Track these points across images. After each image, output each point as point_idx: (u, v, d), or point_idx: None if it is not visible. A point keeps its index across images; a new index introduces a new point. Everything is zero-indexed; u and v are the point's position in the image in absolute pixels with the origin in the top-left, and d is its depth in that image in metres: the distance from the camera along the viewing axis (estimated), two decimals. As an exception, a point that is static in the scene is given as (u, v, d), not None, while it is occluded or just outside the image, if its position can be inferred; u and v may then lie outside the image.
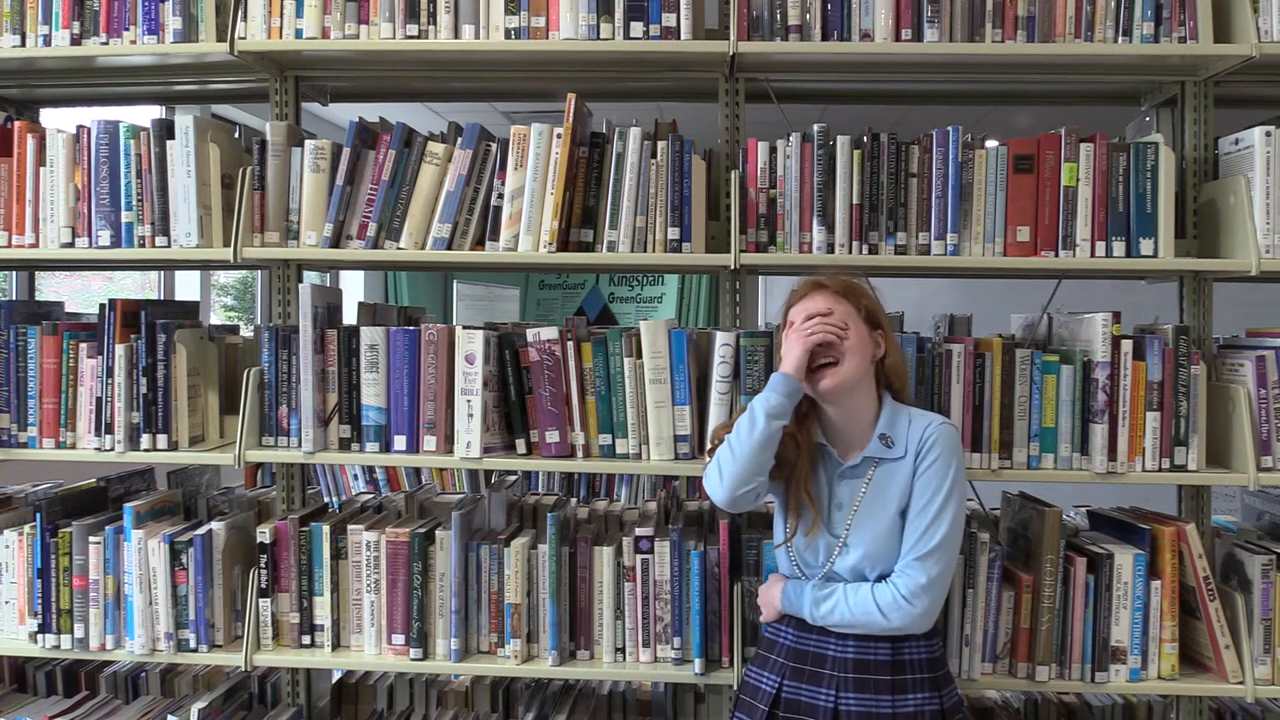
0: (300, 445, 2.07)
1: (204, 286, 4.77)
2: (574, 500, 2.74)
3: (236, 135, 2.30)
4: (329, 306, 2.15)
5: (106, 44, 2.13)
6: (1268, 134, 2.00)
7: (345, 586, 2.11)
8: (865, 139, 2.04)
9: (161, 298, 4.22)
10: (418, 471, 3.99)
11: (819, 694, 1.71)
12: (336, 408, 2.10)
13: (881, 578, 1.71)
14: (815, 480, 1.77)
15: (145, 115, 2.22)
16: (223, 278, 5.29)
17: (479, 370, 2.03)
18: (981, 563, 1.97)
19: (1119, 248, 2.03)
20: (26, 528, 2.13)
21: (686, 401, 2.03)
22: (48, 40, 2.14)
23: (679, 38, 2.03)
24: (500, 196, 2.06)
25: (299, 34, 2.08)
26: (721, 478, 1.75)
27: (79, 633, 2.11)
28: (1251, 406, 1.99)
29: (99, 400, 2.11)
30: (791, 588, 1.77)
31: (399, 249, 2.08)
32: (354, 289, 5.71)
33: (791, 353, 1.72)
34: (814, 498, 1.75)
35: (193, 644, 2.09)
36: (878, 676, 1.69)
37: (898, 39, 2.04)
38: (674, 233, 2.04)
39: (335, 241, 2.09)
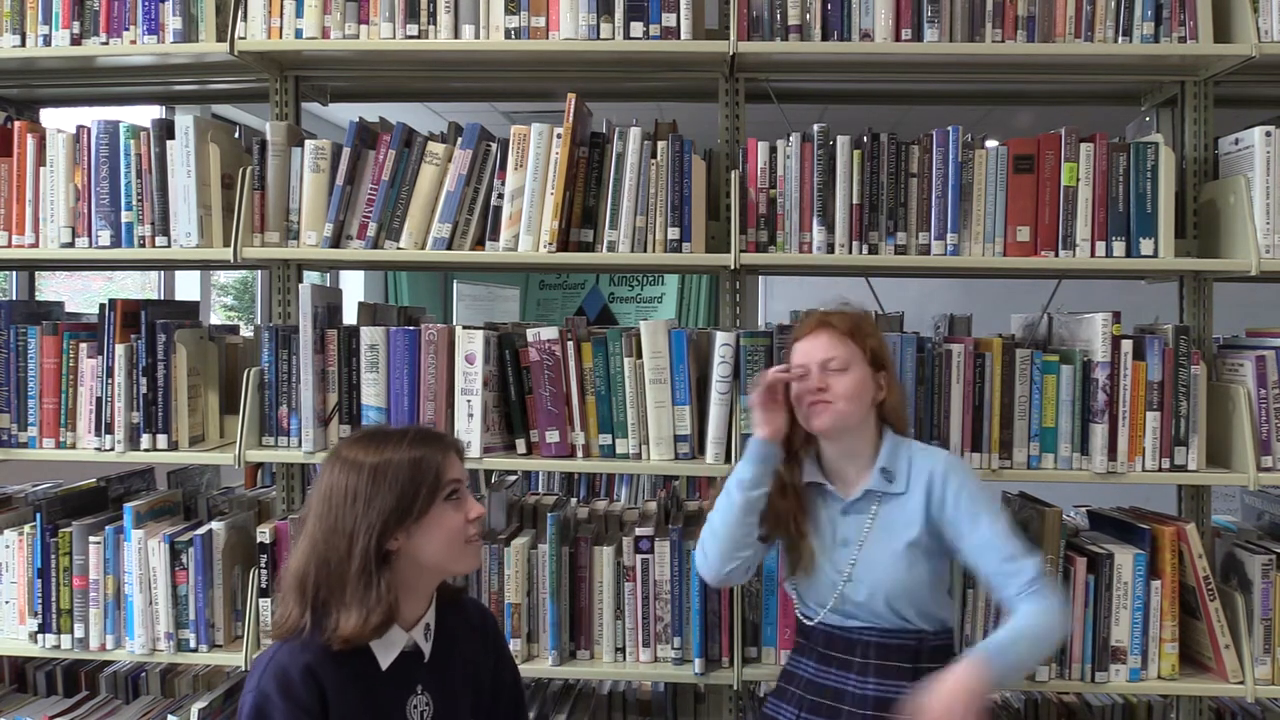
0: (300, 445, 2.08)
1: (204, 286, 4.77)
2: (574, 500, 2.74)
3: (236, 135, 2.30)
4: (329, 306, 2.15)
5: (106, 44, 2.13)
6: (1268, 134, 2.00)
7: (345, 586, 2.10)
8: (865, 139, 2.04)
9: (161, 298, 4.22)
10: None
11: None
12: (336, 408, 2.10)
13: (892, 608, 1.69)
14: (815, 520, 1.75)
15: (145, 115, 2.22)
16: (223, 278, 5.29)
17: (479, 370, 2.03)
18: (981, 563, 1.96)
19: (1119, 248, 2.03)
20: (26, 528, 2.13)
21: (686, 401, 2.03)
22: (48, 40, 2.13)
23: (679, 38, 2.03)
24: (500, 196, 2.06)
25: (299, 34, 2.08)
26: (707, 557, 1.76)
27: (79, 633, 2.10)
28: (1251, 406, 1.99)
29: (99, 400, 2.11)
30: (982, 662, 1.55)
31: (399, 249, 2.08)
32: (354, 289, 5.71)
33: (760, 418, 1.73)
34: (814, 539, 1.73)
35: (193, 644, 2.09)
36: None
37: (898, 39, 2.03)
38: (674, 233, 2.04)
39: (335, 241, 2.09)
